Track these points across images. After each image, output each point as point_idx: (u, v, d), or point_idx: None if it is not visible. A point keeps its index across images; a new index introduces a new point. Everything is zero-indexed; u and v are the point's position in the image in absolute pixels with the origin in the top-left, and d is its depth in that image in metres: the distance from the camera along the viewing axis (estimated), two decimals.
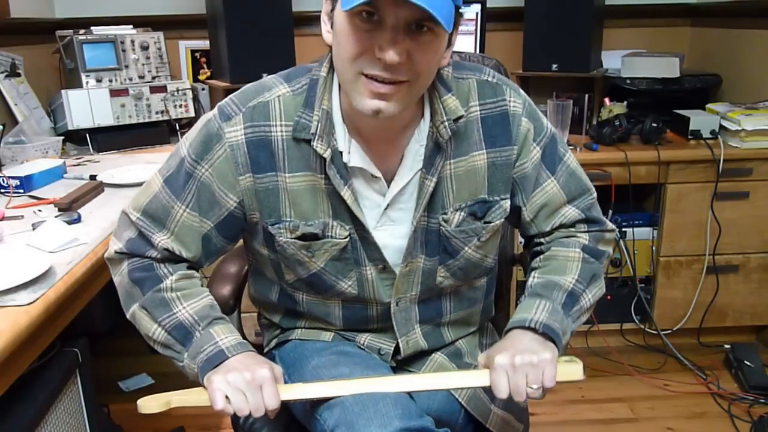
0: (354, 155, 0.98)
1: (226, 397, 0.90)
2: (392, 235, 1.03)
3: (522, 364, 0.90)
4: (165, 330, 0.99)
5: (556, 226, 1.09)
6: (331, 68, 0.98)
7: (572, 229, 1.09)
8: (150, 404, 0.92)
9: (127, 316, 1.04)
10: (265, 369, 0.92)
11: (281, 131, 0.98)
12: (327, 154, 0.96)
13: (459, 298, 1.13)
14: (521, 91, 1.05)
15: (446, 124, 0.98)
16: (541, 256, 1.09)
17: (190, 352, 0.97)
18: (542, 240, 1.11)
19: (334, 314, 1.10)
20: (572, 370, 0.94)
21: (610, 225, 1.13)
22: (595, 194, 1.11)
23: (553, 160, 1.06)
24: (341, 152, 0.97)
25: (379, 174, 0.99)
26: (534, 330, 0.97)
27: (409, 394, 1.00)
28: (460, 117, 0.99)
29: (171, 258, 1.03)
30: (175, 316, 0.99)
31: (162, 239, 1.01)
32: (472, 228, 1.04)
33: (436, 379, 0.98)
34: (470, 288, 1.13)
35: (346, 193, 0.97)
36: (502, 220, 1.06)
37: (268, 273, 1.13)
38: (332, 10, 0.91)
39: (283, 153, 0.98)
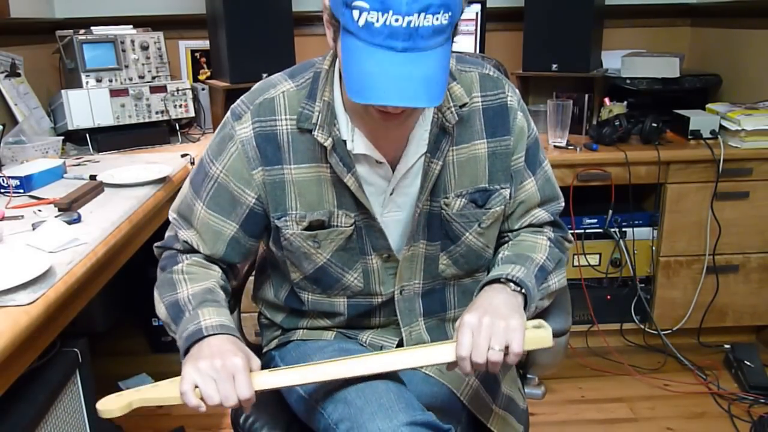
0: (358, 142, 1.00)
1: (196, 386, 0.87)
2: (397, 220, 1.05)
3: (488, 325, 0.90)
4: (165, 308, 1.02)
5: (525, 225, 1.13)
6: (333, 62, 1.01)
7: (539, 229, 1.14)
8: (110, 408, 0.90)
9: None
10: (238, 357, 0.89)
11: (286, 124, 1.01)
12: (328, 143, 0.98)
13: (463, 292, 1.14)
14: (516, 90, 1.10)
15: (453, 110, 1.01)
16: (509, 243, 1.13)
17: (179, 331, 0.98)
18: (509, 235, 1.14)
19: (338, 311, 1.11)
20: (540, 337, 0.94)
21: (570, 236, 1.18)
22: (563, 202, 1.16)
23: (535, 161, 1.11)
24: (344, 141, 0.99)
25: (383, 159, 1.01)
26: (507, 284, 0.98)
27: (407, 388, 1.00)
28: (465, 104, 1.03)
29: (191, 250, 1.09)
30: (175, 294, 1.02)
31: (186, 234, 1.08)
32: (473, 213, 1.06)
33: (406, 356, 0.96)
34: (474, 281, 1.14)
35: (349, 180, 0.99)
36: (503, 206, 1.08)
37: (279, 272, 1.14)
38: (334, 33, 0.89)
39: (289, 145, 1.01)
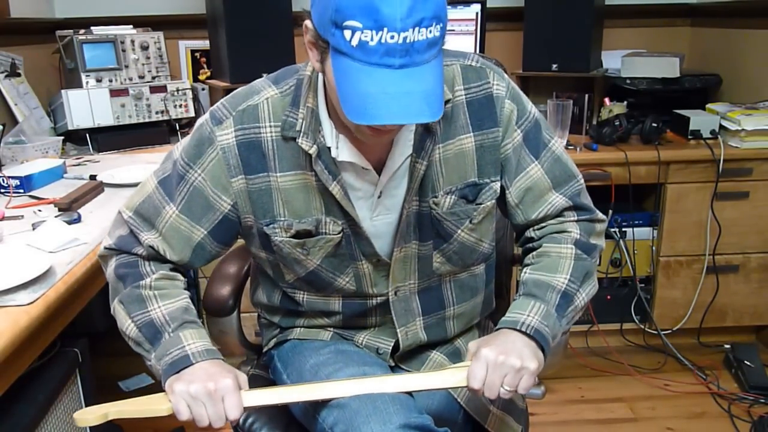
0: (342, 150, 0.98)
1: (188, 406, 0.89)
2: (388, 223, 1.04)
3: (504, 363, 0.90)
4: (136, 326, 0.98)
5: (543, 214, 1.07)
6: None
7: (561, 218, 1.08)
8: (86, 417, 0.91)
9: (111, 311, 1.04)
10: (228, 379, 0.90)
11: (270, 132, 0.99)
12: (312, 151, 0.96)
13: (460, 287, 1.13)
14: (505, 75, 1.05)
15: None
16: (533, 253, 1.08)
17: (157, 353, 0.96)
18: (533, 235, 1.09)
19: (334, 310, 1.11)
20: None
21: (601, 215, 1.11)
22: (582, 181, 1.10)
23: (537, 144, 1.05)
24: (329, 148, 0.97)
25: (369, 166, 0.99)
26: (524, 333, 0.95)
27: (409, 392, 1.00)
28: (448, 101, 1.00)
29: (156, 257, 1.04)
30: (147, 313, 0.98)
31: (149, 237, 1.02)
32: (463, 210, 1.04)
33: (410, 380, 0.96)
34: (470, 276, 1.13)
35: (334, 188, 0.98)
36: (494, 201, 1.06)
37: (270, 276, 1.13)
38: (321, 55, 0.86)
39: (274, 153, 0.99)
